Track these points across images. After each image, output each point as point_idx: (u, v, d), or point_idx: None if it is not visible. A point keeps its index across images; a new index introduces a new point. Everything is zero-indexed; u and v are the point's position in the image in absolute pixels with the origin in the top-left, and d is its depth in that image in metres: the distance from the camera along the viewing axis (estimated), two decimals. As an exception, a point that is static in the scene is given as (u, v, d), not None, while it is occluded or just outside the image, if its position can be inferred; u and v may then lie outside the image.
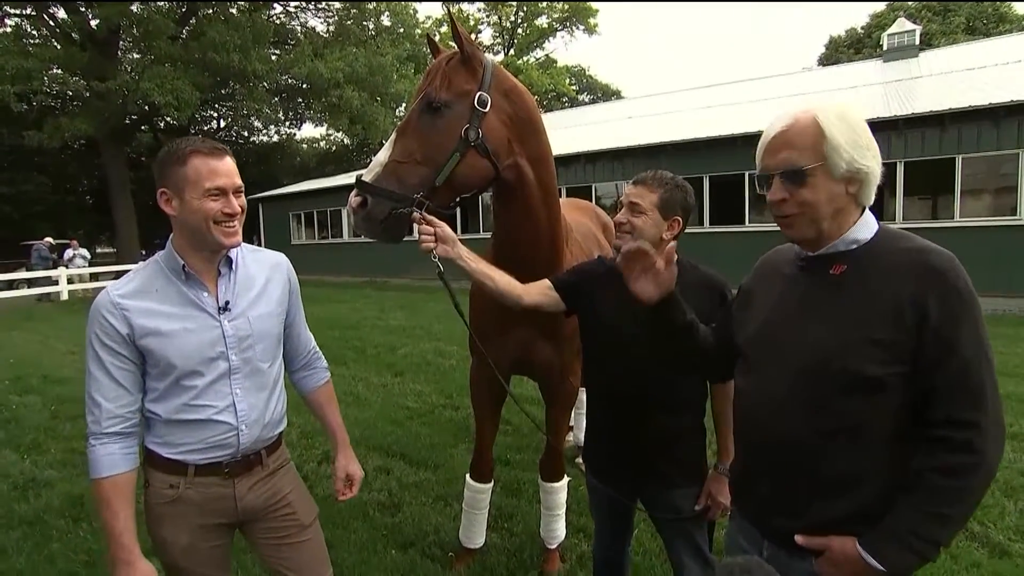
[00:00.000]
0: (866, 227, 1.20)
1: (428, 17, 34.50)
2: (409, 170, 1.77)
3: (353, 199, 1.76)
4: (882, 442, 1.14)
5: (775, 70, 36.33)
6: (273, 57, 21.16)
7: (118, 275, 14.12)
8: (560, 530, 2.76)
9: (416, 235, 1.76)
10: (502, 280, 1.78)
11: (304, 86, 21.74)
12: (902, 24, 20.51)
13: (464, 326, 2.09)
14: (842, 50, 33.34)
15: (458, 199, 1.89)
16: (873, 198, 1.19)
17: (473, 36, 36.74)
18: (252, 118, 25.44)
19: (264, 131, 30.36)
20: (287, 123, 27.77)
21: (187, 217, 1.42)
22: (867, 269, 1.16)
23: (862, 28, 33.58)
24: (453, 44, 1.90)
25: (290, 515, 1.64)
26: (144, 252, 21.04)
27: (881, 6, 32.91)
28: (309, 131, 61.15)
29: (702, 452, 1.84)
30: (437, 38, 2.07)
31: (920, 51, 19.42)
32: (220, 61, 18.29)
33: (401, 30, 24.14)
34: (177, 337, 1.44)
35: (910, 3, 31.75)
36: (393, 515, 3.27)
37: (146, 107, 20.58)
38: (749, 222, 12.12)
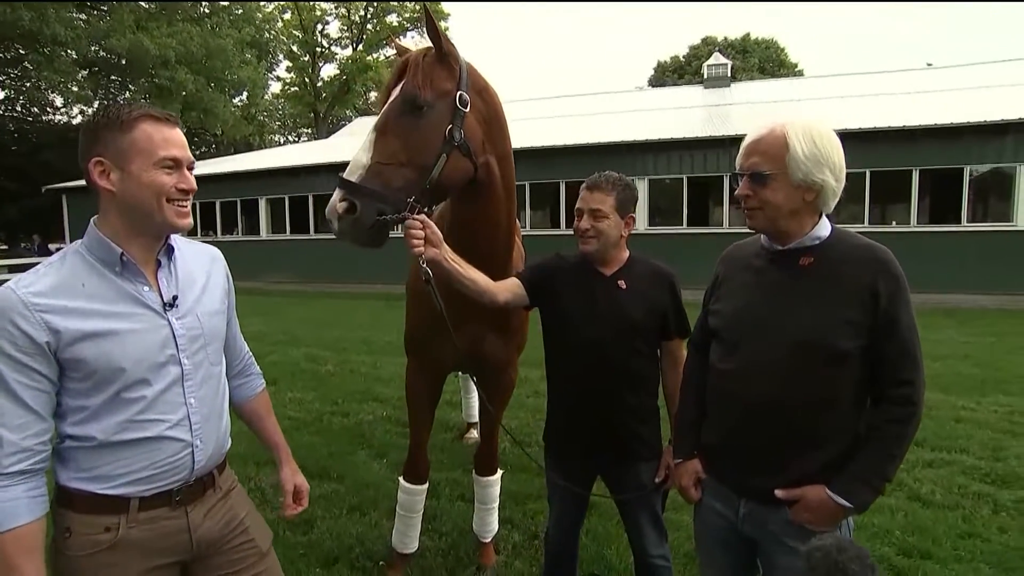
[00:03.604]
0: (824, 227, 1.44)
1: (271, 2, 31.92)
2: (395, 172, 1.67)
3: (338, 203, 1.61)
4: (847, 405, 1.39)
5: (611, 87, 39.74)
6: (80, 23, 18.10)
7: None
8: (494, 523, 2.79)
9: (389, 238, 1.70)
10: (482, 280, 1.79)
11: (122, 61, 18.91)
12: (717, 58, 23.84)
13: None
14: (668, 74, 37.59)
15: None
16: (831, 206, 1.43)
17: (319, 27, 34.84)
18: (50, 92, 21.37)
19: (63, 109, 25.50)
20: (98, 102, 23.87)
21: (132, 192, 1.21)
22: (831, 260, 1.41)
23: (683, 57, 38.24)
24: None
25: (247, 543, 1.44)
26: None
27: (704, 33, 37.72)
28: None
29: (659, 427, 2.01)
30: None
31: (731, 82, 22.62)
32: (2, 18, 15.08)
33: (240, 11, 22.13)
34: (121, 339, 1.21)
35: (719, 40, 37.05)
36: (306, 533, 3.03)
37: None
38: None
